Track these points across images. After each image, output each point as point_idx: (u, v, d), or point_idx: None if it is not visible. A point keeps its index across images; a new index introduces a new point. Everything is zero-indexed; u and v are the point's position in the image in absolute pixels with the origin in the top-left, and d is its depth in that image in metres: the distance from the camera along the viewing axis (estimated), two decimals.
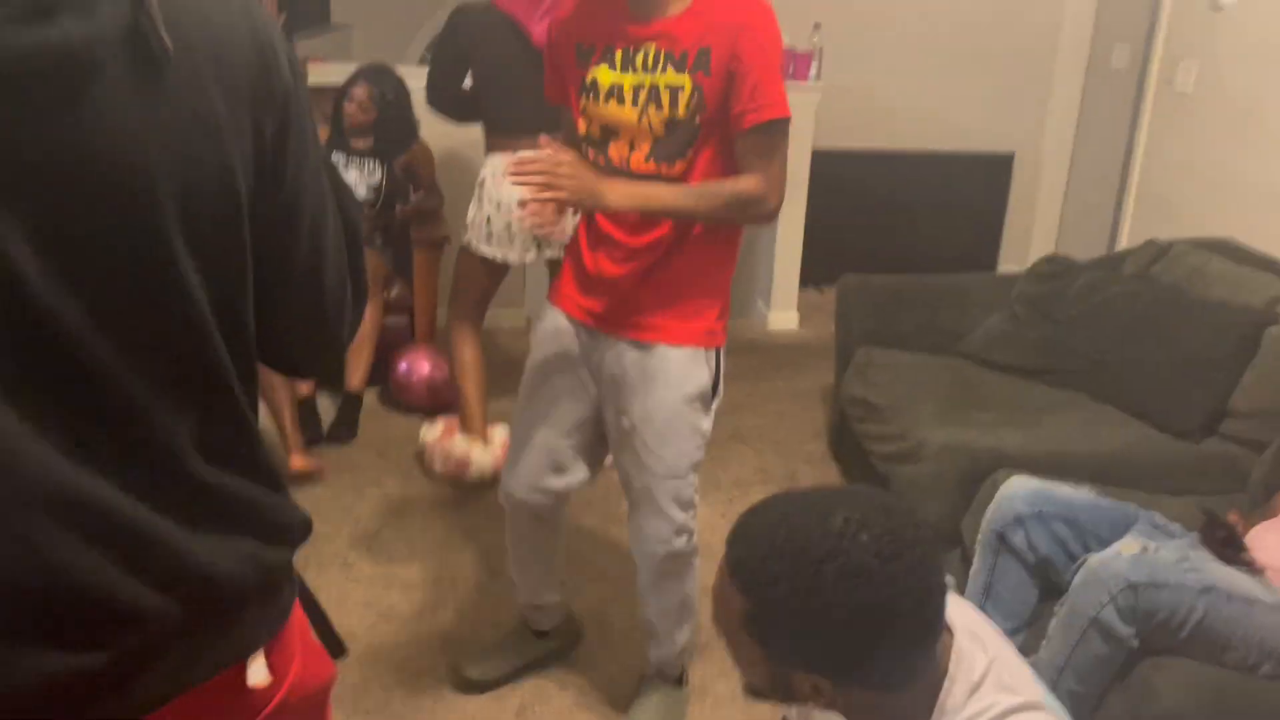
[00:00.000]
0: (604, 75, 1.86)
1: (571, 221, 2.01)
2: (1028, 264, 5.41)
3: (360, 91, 3.63)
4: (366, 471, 3.30)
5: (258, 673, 0.89)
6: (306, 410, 3.45)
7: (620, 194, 1.81)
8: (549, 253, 3.11)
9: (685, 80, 1.79)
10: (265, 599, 0.91)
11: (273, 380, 3.12)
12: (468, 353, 3.18)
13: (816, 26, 4.51)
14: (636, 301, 1.95)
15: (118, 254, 0.76)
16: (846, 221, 5.06)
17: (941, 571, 1.07)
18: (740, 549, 1.07)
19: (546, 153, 1.76)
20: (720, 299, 1.99)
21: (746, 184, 1.81)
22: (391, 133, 3.69)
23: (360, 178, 3.66)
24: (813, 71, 4.42)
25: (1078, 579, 1.90)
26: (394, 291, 3.77)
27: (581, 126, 1.92)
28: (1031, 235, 5.45)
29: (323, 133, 3.69)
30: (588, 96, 1.90)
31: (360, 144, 3.68)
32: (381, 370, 3.68)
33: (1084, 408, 2.86)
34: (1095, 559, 1.90)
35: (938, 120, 5.17)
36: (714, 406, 2.04)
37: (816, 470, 3.41)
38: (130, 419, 0.80)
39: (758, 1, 1.80)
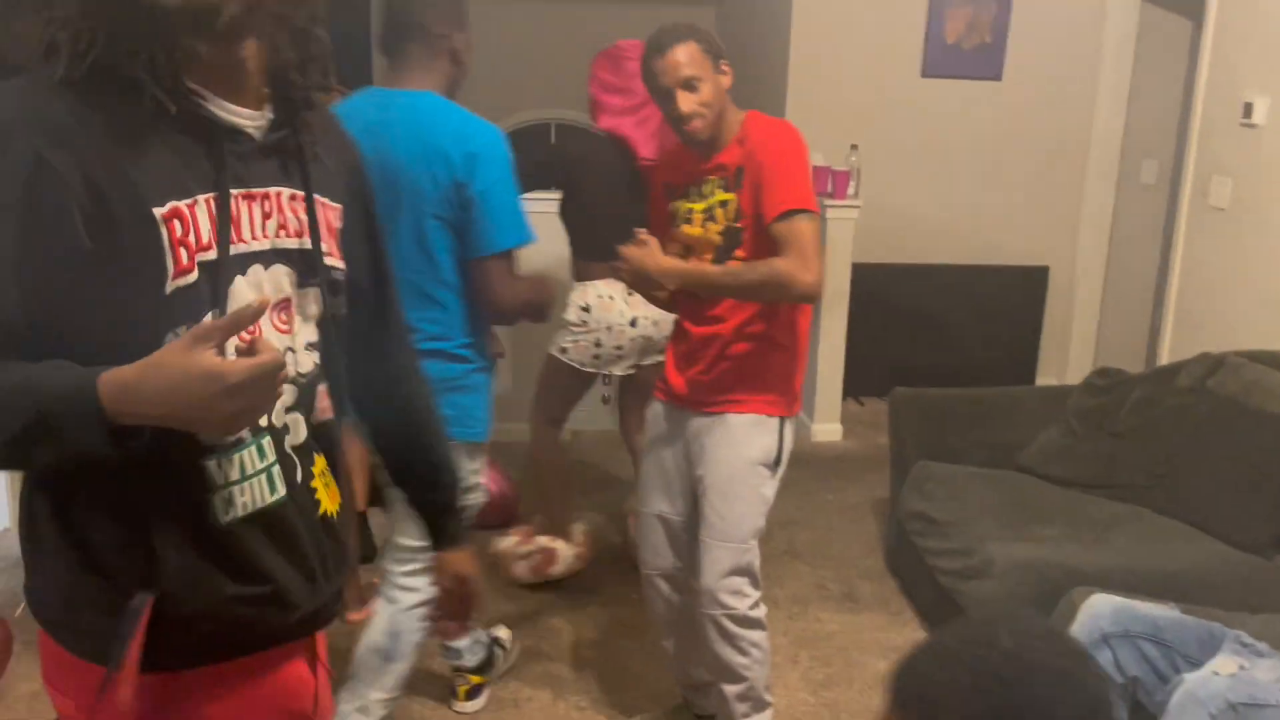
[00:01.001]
0: (681, 207, 2.29)
1: None
2: (1066, 376, 5.47)
3: None
4: None
5: None
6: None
7: (670, 276, 2.15)
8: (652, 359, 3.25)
9: (731, 196, 2.20)
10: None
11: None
12: (555, 454, 3.28)
13: (854, 147, 4.64)
14: (709, 383, 2.28)
15: None
16: (885, 334, 5.11)
17: None
18: (933, 715, 1.02)
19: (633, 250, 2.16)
20: (785, 383, 2.26)
21: (779, 264, 2.07)
22: None
23: None
24: (851, 189, 4.53)
25: (1174, 700, 1.87)
26: None
27: (670, 250, 2.27)
28: (1069, 347, 5.48)
29: None
30: (672, 222, 2.32)
31: None
32: None
33: (1148, 521, 2.85)
34: (1192, 679, 1.87)
35: (972, 234, 5.26)
36: (779, 474, 2.28)
37: (875, 585, 3.38)
38: None
39: (780, 122, 2.18)
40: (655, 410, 2.43)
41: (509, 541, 3.28)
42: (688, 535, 2.39)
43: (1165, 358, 4.46)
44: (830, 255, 4.55)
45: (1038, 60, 5.13)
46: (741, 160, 2.17)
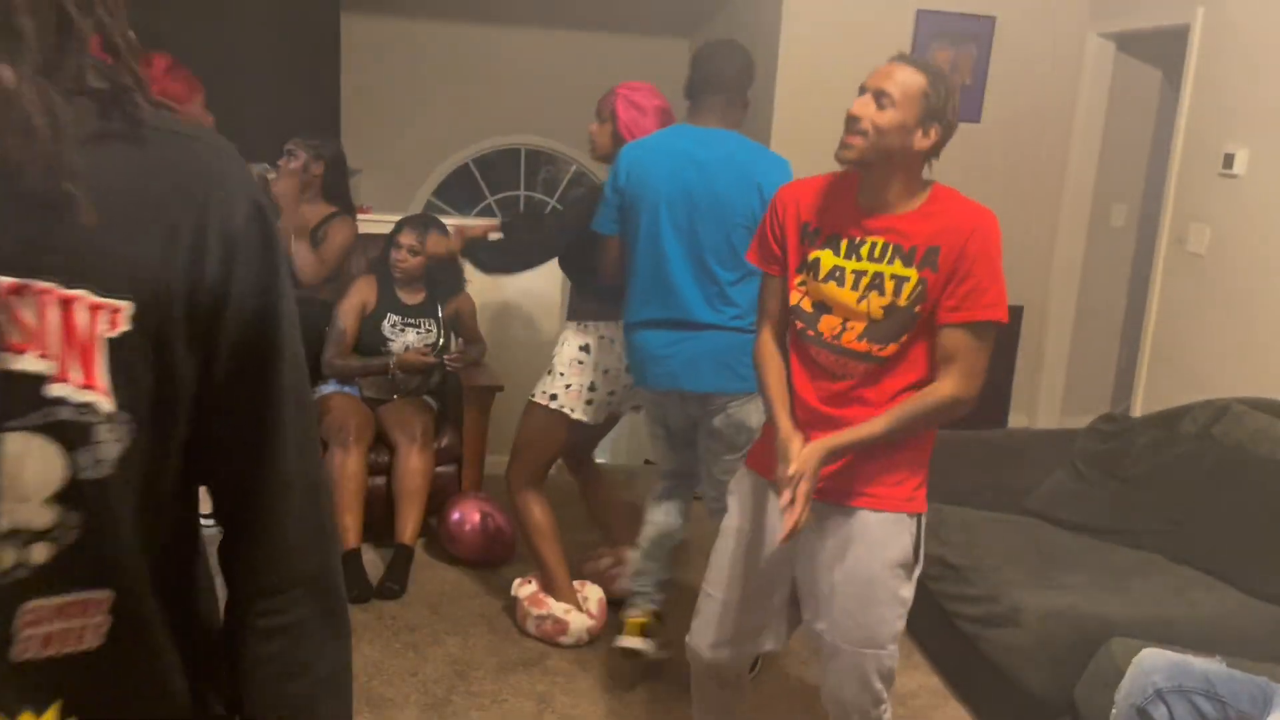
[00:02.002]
0: (827, 258, 1.98)
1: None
2: (1037, 414, 5.55)
3: (407, 238, 3.65)
4: (423, 630, 3.18)
5: None
6: (351, 565, 3.34)
7: (826, 449, 1.91)
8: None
9: (912, 274, 1.91)
10: None
11: None
12: (539, 515, 3.10)
13: None
14: (840, 469, 1.99)
15: None
16: None
17: None
18: None
19: (791, 477, 1.87)
20: (921, 471, 2.07)
21: (943, 391, 1.91)
22: (440, 279, 3.73)
23: (418, 339, 3.66)
24: None
25: None
26: (444, 440, 3.71)
27: (794, 298, 2.04)
28: (1039, 386, 5.56)
29: (369, 283, 3.71)
30: (808, 273, 2.01)
31: (411, 299, 3.68)
32: (427, 520, 3.61)
33: (1165, 569, 2.87)
34: None
35: None
36: (915, 574, 2.08)
37: None
38: None
39: (985, 210, 1.93)
40: (755, 486, 2.16)
41: (525, 592, 3.18)
42: (759, 626, 2.20)
43: (1140, 398, 4.55)
44: None
45: (1015, 104, 5.23)
46: (936, 238, 1.90)
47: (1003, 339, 5.43)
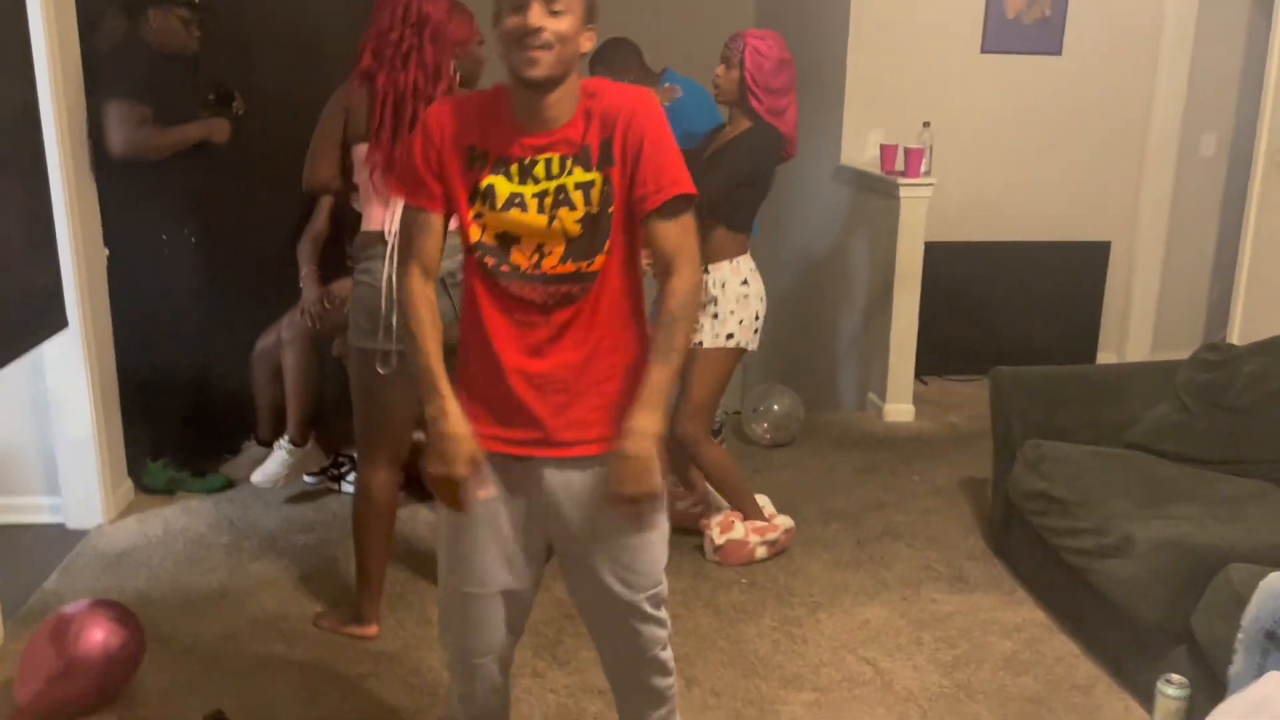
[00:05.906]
0: (501, 184, 1.78)
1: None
2: (1126, 351, 5.45)
3: None
4: None
5: None
6: None
7: (653, 426, 1.75)
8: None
9: (595, 176, 1.76)
10: None
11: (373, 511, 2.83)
12: (724, 455, 3.37)
13: (926, 125, 4.59)
14: (569, 419, 1.83)
15: None
16: (944, 312, 5.07)
17: None
18: None
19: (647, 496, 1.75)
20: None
21: (681, 286, 1.77)
22: None
23: None
24: (924, 167, 4.48)
25: None
26: None
27: (474, 234, 1.80)
28: (1129, 322, 5.46)
29: None
30: (483, 203, 1.79)
31: None
32: None
33: (1279, 498, 2.83)
34: None
35: (1033, 211, 5.23)
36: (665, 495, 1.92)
37: (981, 566, 3.35)
38: None
39: (640, 89, 1.83)
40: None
41: (740, 530, 3.33)
42: (531, 598, 2.03)
43: (1237, 330, 4.44)
44: (903, 235, 4.51)
45: (1098, 34, 5.10)
46: (602, 133, 1.76)
47: (1090, 275, 5.36)
